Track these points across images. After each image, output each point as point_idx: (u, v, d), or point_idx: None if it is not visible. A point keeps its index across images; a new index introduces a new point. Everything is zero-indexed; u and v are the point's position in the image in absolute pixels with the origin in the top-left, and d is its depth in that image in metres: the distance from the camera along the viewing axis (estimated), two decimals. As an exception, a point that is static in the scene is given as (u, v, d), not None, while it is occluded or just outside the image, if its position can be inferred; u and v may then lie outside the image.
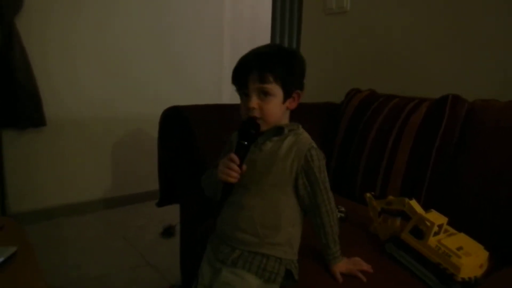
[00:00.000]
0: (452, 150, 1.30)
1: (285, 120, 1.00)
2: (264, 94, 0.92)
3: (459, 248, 0.92)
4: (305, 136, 0.99)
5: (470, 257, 0.91)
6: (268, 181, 0.95)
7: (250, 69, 0.93)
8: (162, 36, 2.72)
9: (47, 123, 2.23)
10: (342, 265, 0.97)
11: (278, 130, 0.98)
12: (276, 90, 0.93)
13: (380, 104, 1.58)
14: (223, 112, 1.50)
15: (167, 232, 2.22)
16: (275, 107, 0.94)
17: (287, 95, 0.95)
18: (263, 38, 3.06)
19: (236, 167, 0.90)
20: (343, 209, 1.30)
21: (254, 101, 0.93)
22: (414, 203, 1.03)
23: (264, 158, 0.96)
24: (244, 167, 0.92)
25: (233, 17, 3.09)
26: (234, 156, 0.91)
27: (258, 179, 0.96)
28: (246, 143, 0.93)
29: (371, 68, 2.00)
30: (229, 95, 3.10)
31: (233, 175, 0.90)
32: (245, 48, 1.00)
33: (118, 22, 2.51)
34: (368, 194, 1.21)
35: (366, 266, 0.97)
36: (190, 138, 1.36)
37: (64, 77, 2.34)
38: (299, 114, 1.03)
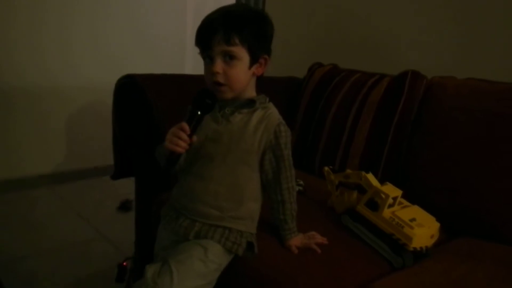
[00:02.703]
0: (410, 128, 1.32)
1: (251, 89, 0.96)
2: (230, 57, 0.87)
3: (412, 220, 0.94)
4: (273, 110, 0.96)
5: (422, 228, 0.93)
6: (235, 154, 0.92)
7: (216, 29, 0.86)
8: (125, 2, 2.58)
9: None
10: (297, 240, 0.97)
11: (248, 102, 0.94)
12: (242, 54, 0.87)
13: (341, 79, 1.57)
14: (182, 82, 1.44)
15: (124, 206, 2.16)
16: (240, 72, 0.89)
17: (253, 60, 0.90)
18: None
19: (185, 137, 0.85)
20: (301, 182, 1.30)
21: (219, 65, 0.87)
22: (370, 176, 1.04)
23: (233, 130, 0.92)
24: (194, 137, 0.87)
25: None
26: (184, 125, 0.85)
27: (225, 151, 0.92)
28: (199, 112, 0.87)
29: (336, 42, 1.98)
30: (191, 66, 3.01)
31: (181, 145, 0.85)
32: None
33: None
34: (326, 168, 1.21)
35: (321, 239, 0.98)
36: (146, 108, 1.30)
37: (16, 42, 2.17)
38: (261, 88, 0.99)
